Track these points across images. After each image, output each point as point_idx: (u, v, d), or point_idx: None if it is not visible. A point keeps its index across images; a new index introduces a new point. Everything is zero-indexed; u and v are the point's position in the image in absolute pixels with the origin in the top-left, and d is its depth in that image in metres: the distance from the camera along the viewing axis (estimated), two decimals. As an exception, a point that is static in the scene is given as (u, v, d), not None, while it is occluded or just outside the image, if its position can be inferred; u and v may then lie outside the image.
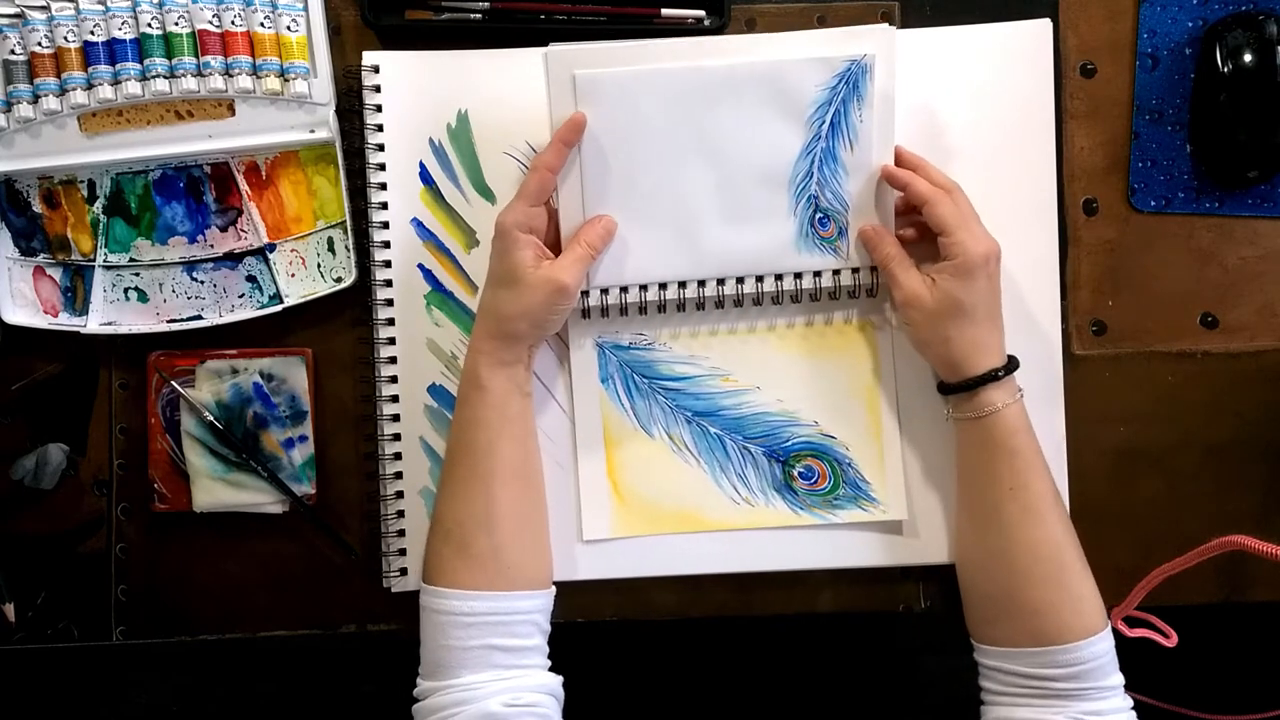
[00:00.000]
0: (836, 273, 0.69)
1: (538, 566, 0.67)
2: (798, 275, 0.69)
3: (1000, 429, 0.65)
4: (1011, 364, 0.66)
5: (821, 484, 0.71)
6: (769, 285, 0.69)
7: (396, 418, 0.72)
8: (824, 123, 0.67)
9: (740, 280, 0.69)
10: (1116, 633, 0.70)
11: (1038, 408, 0.71)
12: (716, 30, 0.71)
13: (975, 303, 0.65)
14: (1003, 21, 0.72)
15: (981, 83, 0.72)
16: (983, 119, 0.72)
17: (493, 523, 0.64)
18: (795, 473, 0.71)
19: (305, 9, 0.70)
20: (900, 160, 0.68)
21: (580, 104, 0.65)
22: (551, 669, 0.65)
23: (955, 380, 0.66)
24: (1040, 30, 0.72)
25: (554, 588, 0.67)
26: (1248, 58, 0.68)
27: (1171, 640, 0.69)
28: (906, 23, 0.72)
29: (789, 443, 0.71)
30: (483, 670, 0.61)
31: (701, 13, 0.71)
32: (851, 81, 0.66)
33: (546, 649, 0.65)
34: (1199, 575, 0.69)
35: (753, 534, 0.72)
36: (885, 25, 0.68)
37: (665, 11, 0.70)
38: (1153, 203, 0.73)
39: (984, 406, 0.65)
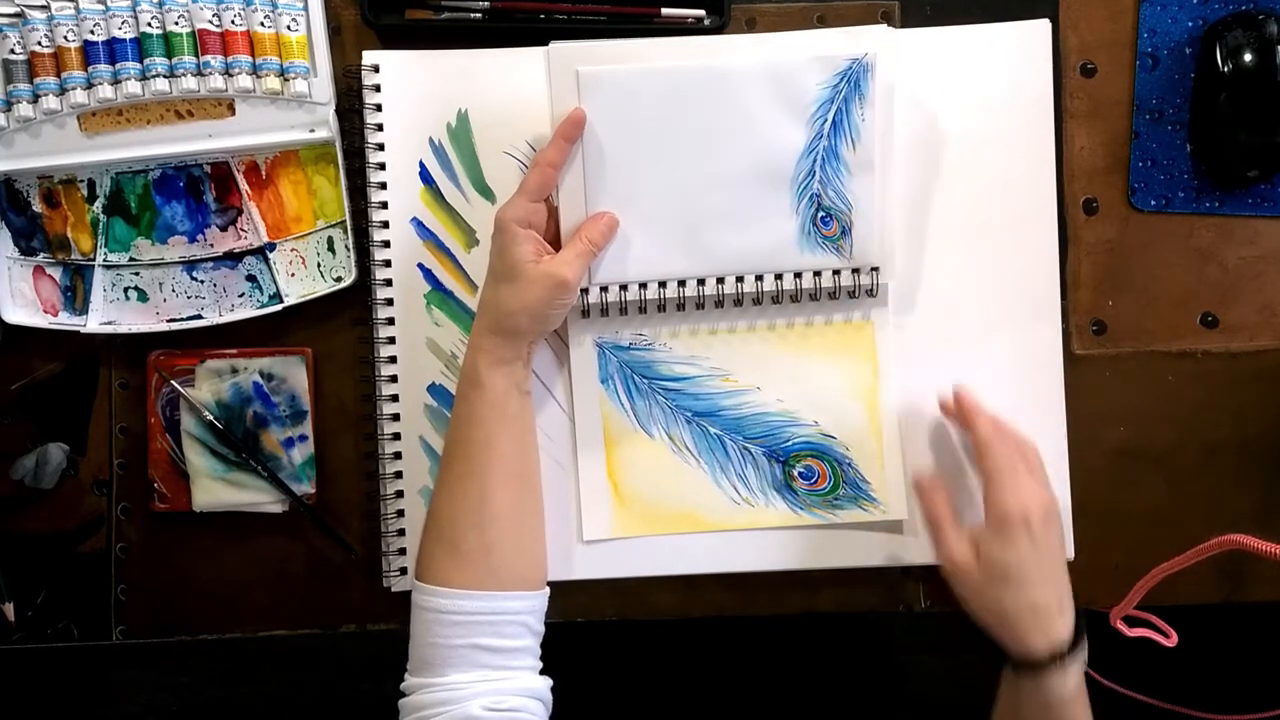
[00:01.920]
0: (837, 273, 0.69)
1: (530, 567, 0.66)
2: (798, 275, 0.69)
3: (1055, 696, 0.62)
4: (1079, 635, 0.62)
5: (821, 484, 0.71)
6: (769, 284, 0.69)
7: (396, 417, 0.72)
8: (826, 121, 0.67)
9: (740, 279, 0.69)
10: (1116, 632, 0.70)
11: (1038, 408, 0.71)
12: (716, 30, 0.71)
13: (1022, 564, 0.61)
14: (1003, 21, 0.72)
15: (981, 83, 0.72)
16: (983, 119, 0.71)
17: (485, 520, 0.64)
18: (795, 473, 0.71)
19: (305, 8, 0.70)
20: (961, 401, 0.67)
21: (583, 100, 0.65)
22: (545, 670, 0.65)
23: (1018, 657, 0.62)
24: (1040, 30, 0.72)
25: (547, 589, 0.66)
26: (1248, 58, 0.68)
27: (1171, 640, 0.69)
28: (906, 23, 0.72)
29: (789, 443, 0.71)
30: (468, 670, 0.61)
31: (701, 12, 0.71)
32: (853, 80, 0.66)
33: (538, 650, 0.65)
34: (1199, 575, 0.69)
35: (753, 534, 0.71)
36: (884, 26, 0.69)
37: (665, 11, 0.70)
38: (1153, 202, 0.73)
39: (1050, 688, 0.61)
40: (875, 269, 0.69)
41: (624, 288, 0.69)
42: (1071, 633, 0.63)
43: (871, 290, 0.70)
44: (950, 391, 0.68)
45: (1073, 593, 0.64)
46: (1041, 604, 0.62)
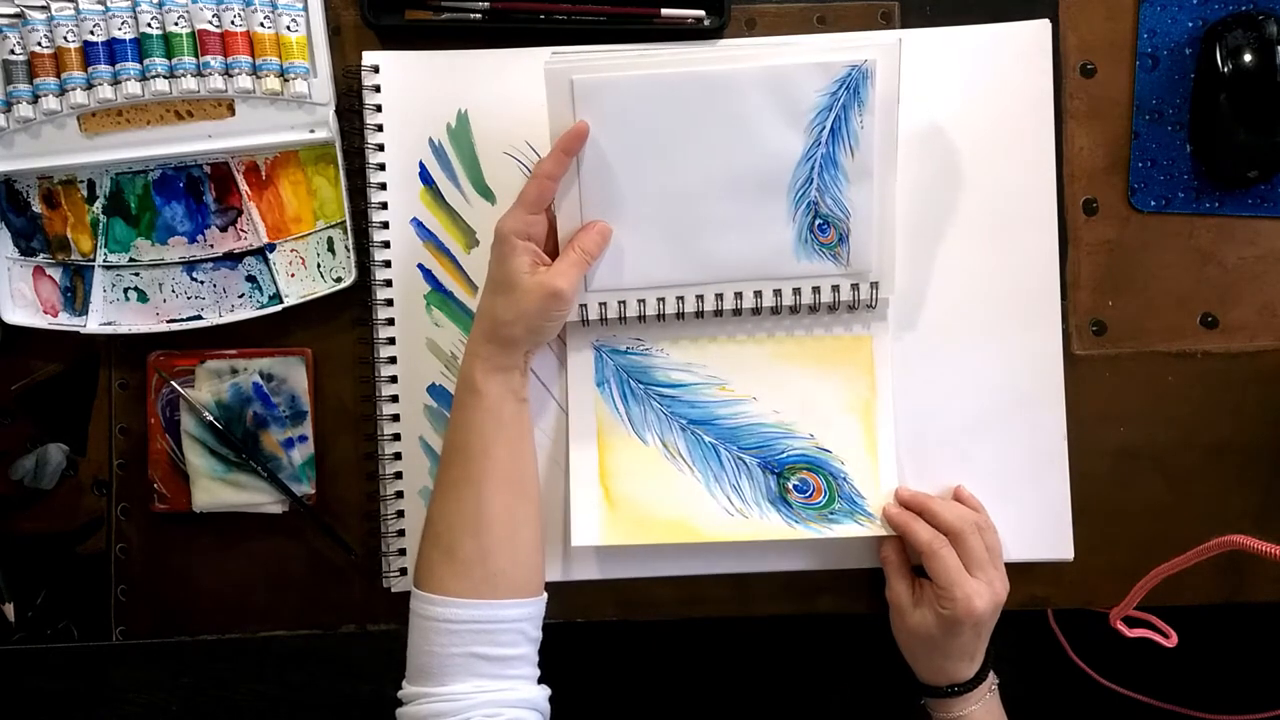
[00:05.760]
0: (836, 287, 0.69)
1: (527, 573, 0.65)
2: (796, 290, 0.69)
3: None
4: (977, 678, 0.68)
5: (816, 498, 0.70)
6: (769, 299, 0.69)
7: (396, 418, 0.72)
8: (824, 128, 0.65)
9: (739, 294, 0.69)
10: (1116, 633, 0.70)
11: (1038, 408, 0.71)
12: (716, 30, 0.71)
13: (952, 647, 0.67)
14: (1003, 21, 0.72)
15: (981, 83, 0.71)
16: (983, 119, 0.71)
17: (481, 527, 0.63)
18: (790, 486, 0.70)
19: (305, 9, 0.70)
20: (902, 501, 0.69)
21: (578, 109, 0.64)
22: (545, 670, 0.64)
23: (920, 682, 0.70)
24: (1040, 30, 0.72)
25: (545, 594, 0.66)
26: (1248, 58, 0.68)
27: (1171, 640, 0.69)
28: (906, 22, 0.72)
29: (784, 455, 0.71)
30: (465, 679, 0.61)
31: (701, 13, 0.71)
32: (852, 87, 0.64)
33: (535, 657, 0.64)
34: (1199, 575, 0.69)
35: (743, 545, 0.71)
36: (893, 33, 0.68)
37: (665, 11, 0.70)
38: (1153, 203, 0.73)
39: (946, 711, 0.68)
40: (875, 284, 0.69)
41: (622, 301, 0.69)
42: (975, 673, 0.68)
43: (871, 303, 0.69)
44: (895, 499, 0.70)
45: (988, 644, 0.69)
46: (952, 665, 0.68)
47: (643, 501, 0.71)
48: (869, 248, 0.68)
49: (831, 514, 0.70)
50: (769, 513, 0.70)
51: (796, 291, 0.69)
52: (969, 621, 0.65)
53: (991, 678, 0.69)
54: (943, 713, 0.69)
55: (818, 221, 0.67)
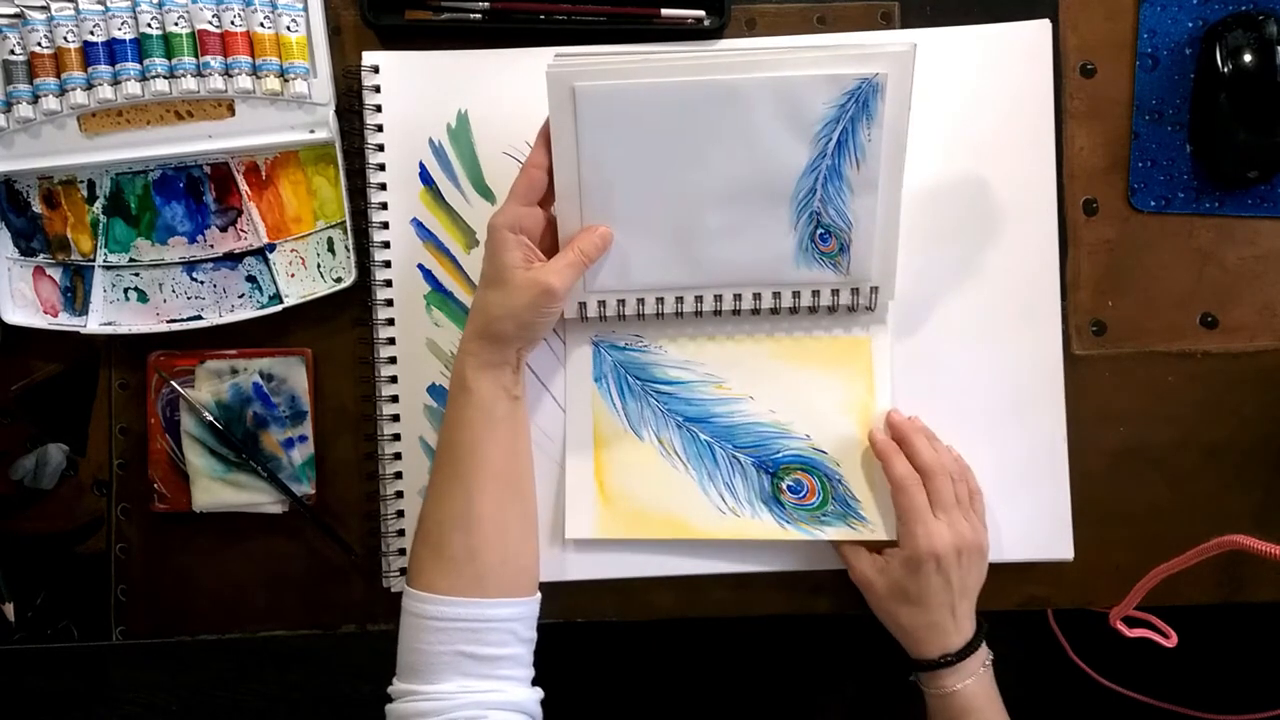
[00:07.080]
0: (835, 291, 0.69)
1: (517, 573, 0.65)
2: (796, 293, 0.69)
3: (956, 707, 0.67)
4: (969, 647, 0.67)
5: (810, 499, 0.70)
6: (767, 300, 0.69)
7: (396, 418, 0.72)
8: (830, 140, 0.64)
9: (738, 296, 0.69)
10: (1116, 632, 0.70)
11: (1038, 408, 0.71)
12: (716, 30, 0.71)
13: (923, 593, 0.66)
14: (1003, 21, 0.72)
15: (982, 83, 0.71)
16: (983, 119, 0.71)
17: (471, 525, 0.63)
18: (784, 486, 0.70)
19: (305, 9, 0.70)
20: (892, 426, 0.69)
21: (580, 116, 0.63)
22: (544, 669, 0.64)
23: (913, 657, 0.69)
24: (1040, 30, 0.72)
25: (538, 595, 0.66)
26: (1248, 58, 0.68)
27: (1171, 640, 0.69)
28: (906, 23, 0.72)
29: (779, 455, 0.71)
30: (451, 678, 0.60)
31: (701, 13, 0.71)
32: (861, 100, 0.63)
33: (528, 658, 0.64)
34: (1199, 575, 0.69)
35: (739, 545, 0.71)
36: (906, 38, 0.66)
37: (665, 11, 0.70)
38: (1153, 203, 0.73)
39: (941, 686, 0.67)
40: (875, 288, 0.69)
41: (622, 300, 0.69)
42: (966, 641, 0.67)
43: (870, 306, 0.69)
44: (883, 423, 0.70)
45: (974, 612, 0.69)
46: (938, 623, 0.67)
47: (637, 497, 0.71)
48: (869, 257, 0.68)
49: (824, 516, 0.70)
50: (761, 512, 0.70)
51: (796, 295, 0.69)
52: (930, 560, 0.65)
53: (985, 652, 0.68)
54: (934, 687, 0.68)
55: (819, 231, 0.67)
